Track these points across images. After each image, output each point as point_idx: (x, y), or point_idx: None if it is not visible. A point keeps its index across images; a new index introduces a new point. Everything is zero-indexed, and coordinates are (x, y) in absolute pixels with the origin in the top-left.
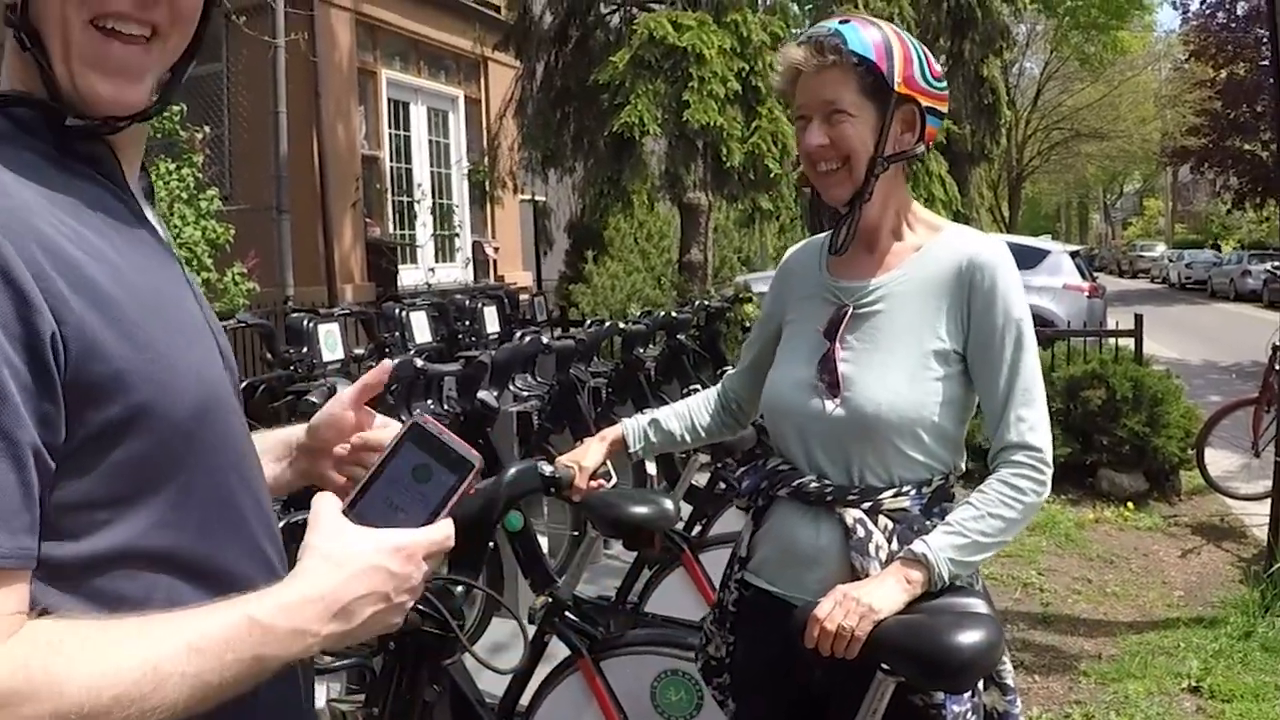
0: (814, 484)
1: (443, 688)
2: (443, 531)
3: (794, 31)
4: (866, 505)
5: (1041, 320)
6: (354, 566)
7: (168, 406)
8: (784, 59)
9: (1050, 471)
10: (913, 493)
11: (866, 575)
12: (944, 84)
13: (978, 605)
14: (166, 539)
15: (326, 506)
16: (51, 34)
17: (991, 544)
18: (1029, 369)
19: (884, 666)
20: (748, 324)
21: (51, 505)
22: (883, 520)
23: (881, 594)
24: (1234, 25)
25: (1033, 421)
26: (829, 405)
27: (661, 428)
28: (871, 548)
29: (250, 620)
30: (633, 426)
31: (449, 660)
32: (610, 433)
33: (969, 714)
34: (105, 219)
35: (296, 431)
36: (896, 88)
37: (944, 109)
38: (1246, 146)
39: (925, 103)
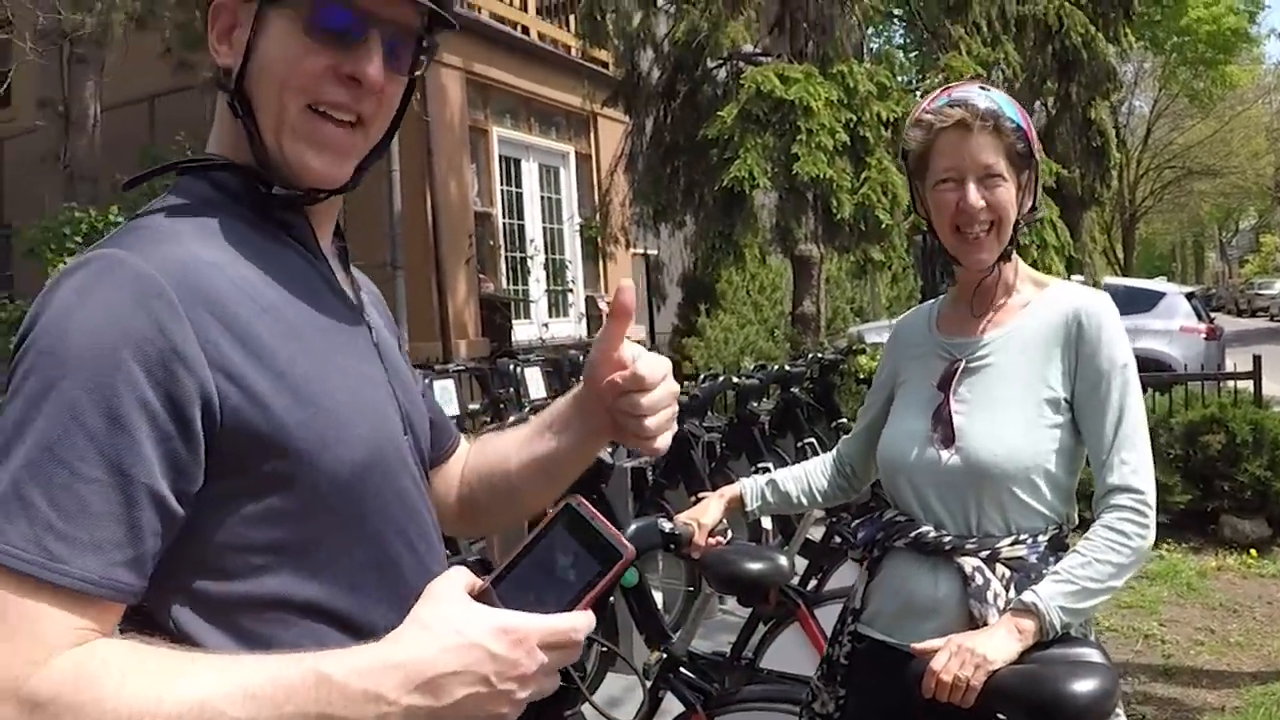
0: (932, 534)
1: None
2: (569, 622)
3: (900, 79)
4: (984, 554)
5: (1158, 364)
6: (449, 640)
7: (330, 463)
8: (931, 118)
9: (1153, 515)
10: (1029, 541)
11: (985, 623)
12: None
13: (1092, 654)
14: (322, 591)
15: (447, 580)
16: (265, 108)
17: (1101, 590)
18: (1133, 413)
19: (1000, 716)
20: (862, 376)
21: (212, 544)
22: (1000, 568)
23: (995, 644)
24: None
25: (1135, 464)
26: (944, 455)
27: (778, 489)
28: (989, 595)
29: (319, 675)
30: (750, 486)
31: (569, 711)
32: (728, 491)
33: None
34: (291, 281)
35: (573, 391)
36: (1035, 154)
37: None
38: None
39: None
